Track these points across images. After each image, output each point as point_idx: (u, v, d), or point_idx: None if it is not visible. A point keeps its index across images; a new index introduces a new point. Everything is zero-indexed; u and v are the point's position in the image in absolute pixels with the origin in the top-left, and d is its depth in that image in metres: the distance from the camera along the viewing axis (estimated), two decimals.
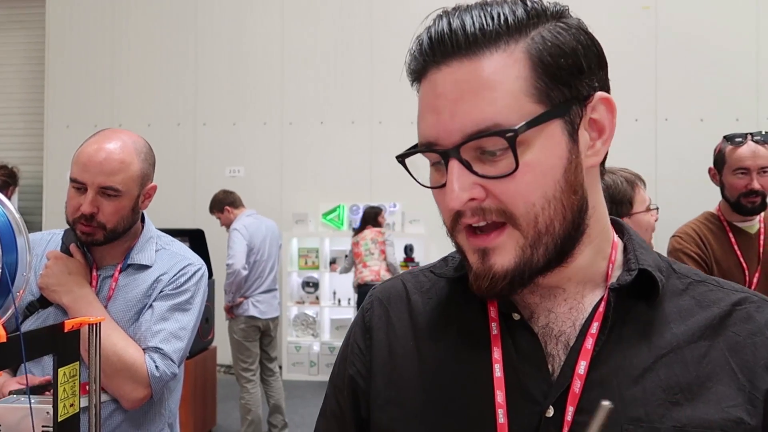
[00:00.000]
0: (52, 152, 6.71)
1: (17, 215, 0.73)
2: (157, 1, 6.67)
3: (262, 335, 4.22)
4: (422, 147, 0.63)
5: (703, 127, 5.71)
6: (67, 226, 1.47)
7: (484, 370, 0.65)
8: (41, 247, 1.51)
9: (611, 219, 0.71)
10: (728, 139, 2.08)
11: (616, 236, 0.71)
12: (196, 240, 4.45)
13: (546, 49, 0.60)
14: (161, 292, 1.43)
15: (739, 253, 2.07)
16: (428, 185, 0.65)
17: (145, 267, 1.46)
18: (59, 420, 0.92)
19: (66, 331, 0.93)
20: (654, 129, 6.05)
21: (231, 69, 6.54)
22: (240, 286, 4.06)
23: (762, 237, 2.10)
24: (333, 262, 6.19)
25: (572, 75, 0.61)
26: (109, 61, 6.68)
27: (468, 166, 0.60)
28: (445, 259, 0.78)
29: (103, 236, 1.40)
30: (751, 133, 2.05)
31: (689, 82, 5.93)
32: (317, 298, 6.17)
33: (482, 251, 0.62)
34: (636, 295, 0.66)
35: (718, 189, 2.14)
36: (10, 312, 0.78)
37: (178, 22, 6.62)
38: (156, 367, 1.35)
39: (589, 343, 0.63)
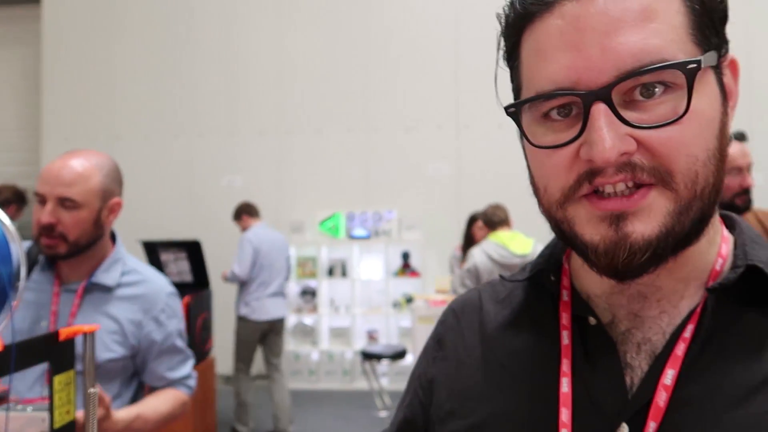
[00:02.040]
0: None
1: (9, 224, 0.75)
2: (152, 14, 6.71)
3: (266, 335, 4.63)
4: (550, 93, 0.51)
5: None
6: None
7: (551, 384, 0.57)
8: None
9: (721, 213, 0.61)
10: None
11: (725, 230, 0.60)
12: (193, 251, 4.47)
13: None
14: (152, 340, 1.53)
15: None
16: (541, 145, 0.54)
17: (109, 289, 1.49)
18: (55, 427, 0.93)
19: (61, 339, 0.95)
20: None
21: (227, 80, 6.57)
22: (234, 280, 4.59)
23: None
24: (331, 271, 6.21)
25: (722, 23, 0.53)
26: (105, 75, 6.71)
27: (616, 113, 0.49)
28: (524, 267, 0.70)
29: (65, 249, 1.42)
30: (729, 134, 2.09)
31: None
32: (315, 306, 6.18)
33: (615, 217, 0.51)
34: (746, 300, 0.54)
35: None
36: (4, 323, 0.80)
37: (174, 34, 6.65)
38: (189, 388, 1.62)
39: (680, 349, 0.53)
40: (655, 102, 0.50)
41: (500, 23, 0.58)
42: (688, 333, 0.53)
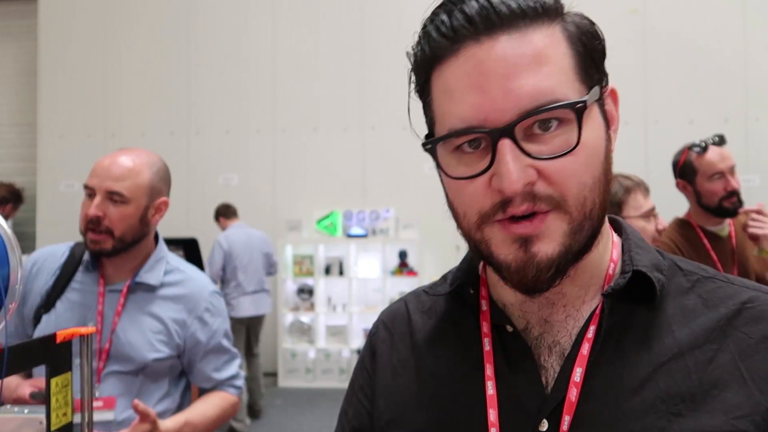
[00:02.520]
0: (45, 163, 6.70)
1: (9, 232, 0.75)
2: (150, 10, 6.69)
3: (248, 331, 4.86)
4: (462, 131, 0.57)
5: (692, 129, 5.76)
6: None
7: (478, 388, 0.63)
8: (57, 261, 1.51)
9: (609, 218, 0.69)
10: (690, 147, 2.12)
11: (615, 235, 0.68)
12: (190, 249, 4.48)
13: (580, 32, 0.60)
14: (197, 340, 1.51)
15: (715, 257, 2.09)
16: (457, 176, 0.59)
17: (153, 288, 1.49)
18: (52, 429, 0.93)
19: (58, 342, 0.95)
20: (644, 132, 6.10)
21: (224, 77, 6.56)
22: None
23: (733, 239, 2.13)
24: (327, 270, 6.22)
25: (601, 60, 0.61)
26: (102, 71, 6.69)
27: (520, 147, 0.56)
28: (444, 277, 0.76)
29: (111, 245, 1.42)
30: (706, 140, 2.10)
31: (678, 84, 5.99)
32: (312, 304, 6.18)
33: (524, 240, 0.58)
34: (635, 299, 0.62)
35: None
36: (2, 325, 0.79)
37: (171, 32, 6.64)
38: (237, 387, 1.61)
39: (585, 348, 0.60)
40: (551, 135, 0.57)
41: (410, 61, 0.63)
42: (591, 333, 0.61)
